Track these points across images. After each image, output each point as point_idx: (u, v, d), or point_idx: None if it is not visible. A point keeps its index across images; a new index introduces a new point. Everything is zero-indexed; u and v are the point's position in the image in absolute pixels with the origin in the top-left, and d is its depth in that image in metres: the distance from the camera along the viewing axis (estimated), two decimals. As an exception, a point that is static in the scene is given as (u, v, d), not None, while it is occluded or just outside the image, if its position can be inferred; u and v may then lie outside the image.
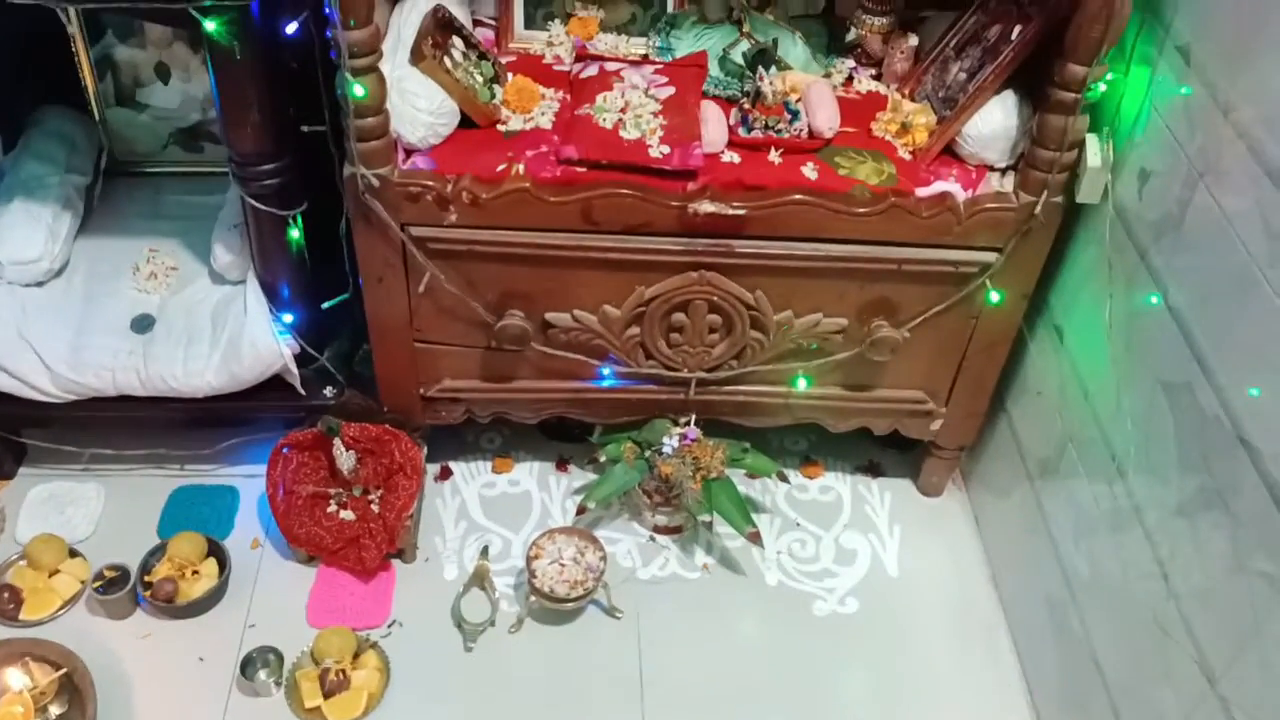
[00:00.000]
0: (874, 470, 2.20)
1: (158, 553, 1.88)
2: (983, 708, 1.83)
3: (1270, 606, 1.23)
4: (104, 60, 2.01)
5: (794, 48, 1.81)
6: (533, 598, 1.87)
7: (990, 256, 1.70)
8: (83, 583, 1.87)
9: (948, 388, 1.94)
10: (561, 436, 2.21)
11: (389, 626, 1.87)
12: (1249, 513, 1.27)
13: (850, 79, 1.84)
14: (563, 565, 1.88)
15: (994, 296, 1.74)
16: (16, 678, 1.67)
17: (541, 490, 2.13)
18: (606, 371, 1.90)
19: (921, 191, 1.67)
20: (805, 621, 1.93)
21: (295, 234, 1.77)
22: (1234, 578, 1.29)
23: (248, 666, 1.76)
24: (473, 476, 2.15)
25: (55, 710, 1.69)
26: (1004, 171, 1.70)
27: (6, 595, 1.83)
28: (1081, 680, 1.66)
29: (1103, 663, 1.60)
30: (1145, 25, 1.51)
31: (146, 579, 1.85)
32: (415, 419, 1.97)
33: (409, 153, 1.65)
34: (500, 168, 1.64)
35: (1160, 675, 1.44)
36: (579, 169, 1.64)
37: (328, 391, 1.94)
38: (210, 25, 1.49)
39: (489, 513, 2.08)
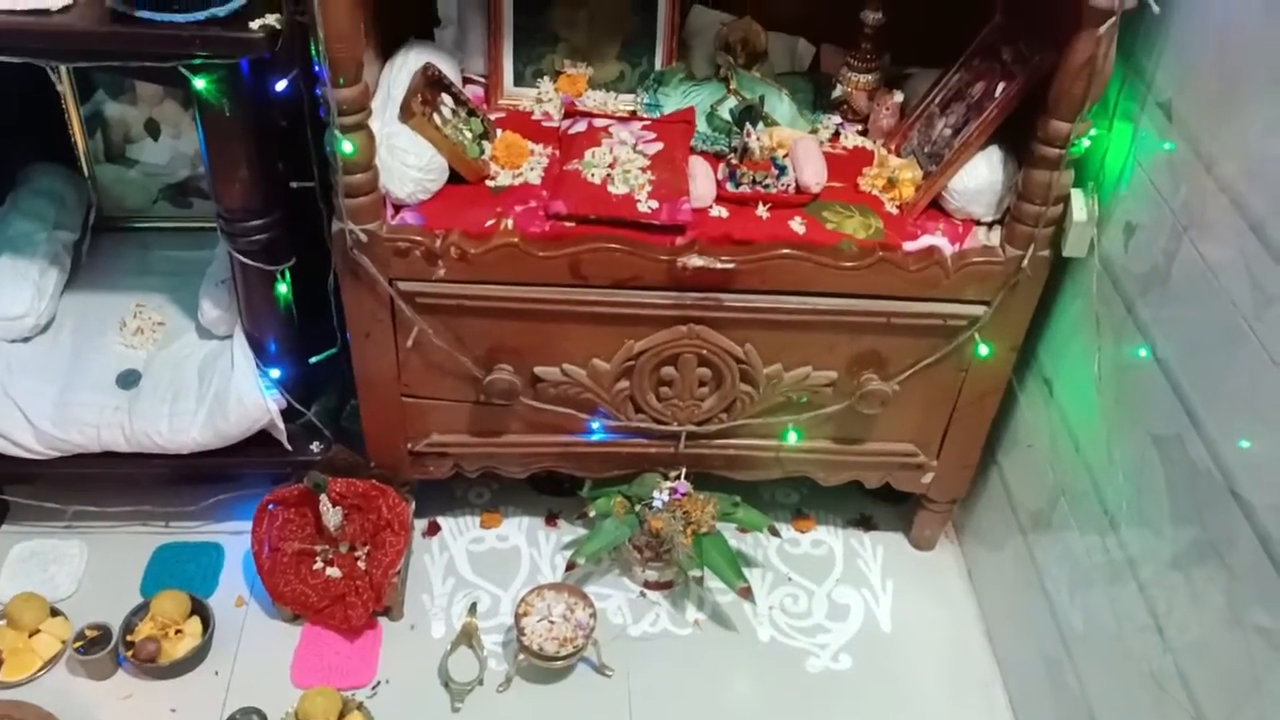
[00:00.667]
0: (866, 524, 2.18)
1: (140, 611, 1.85)
2: (979, 766, 1.80)
3: (1268, 662, 1.21)
4: (94, 117, 2.03)
5: (780, 104, 1.83)
6: (521, 656, 1.84)
7: (978, 310, 1.71)
8: (64, 643, 1.84)
9: (938, 440, 1.93)
10: (551, 491, 2.19)
11: (375, 686, 1.84)
12: (1243, 566, 1.26)
13: (837, 134, 1.86)
14: (552, 623, 1.85)
15: (983, 349, 1.74)
16: (-8, 742, 1.63)
17: (531, 546, 2.11)
18: (596, 425, 1.89)
19: (909, 245, 1.68)
20: (798, 678, 1.91)
21: (283, 289, 1.77)
22: (1230, 632, 1.28)
23: (230, 729, 1.73)
24: (461, 532, 2.12)
25: (32, 776, 1.65)
26: (990, 225, 1.71)
27: (-15, 656, 1.80)
28: (1079, 737, 1.63)
29: (1100, 719, 1.58)
30: (1128, 81, 1.53)
31: (129, 638, 1.82)
32: (403, 474, 1.96)
33: (397, 208, 1.66)
34: (489, 223, 1.65)
35: (1158, 733, 1.42)
36: (568, 224, 1.65)
37: (314, 447, 1.93)
38: (200, 83, 1.49)
39: (477, 569, 2.06)
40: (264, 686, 1.81)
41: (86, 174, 2.08)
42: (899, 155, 1.77)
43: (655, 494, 1.94)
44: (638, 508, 1.96)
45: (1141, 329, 1.50)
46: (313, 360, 1.91)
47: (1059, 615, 1.72)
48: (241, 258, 1.70)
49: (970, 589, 2.07)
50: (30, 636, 1.84)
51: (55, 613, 1.87)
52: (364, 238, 1.60)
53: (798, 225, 1.67)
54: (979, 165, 1.65)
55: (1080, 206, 1.58)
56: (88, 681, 1.81)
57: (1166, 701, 1.39)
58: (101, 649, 1.79)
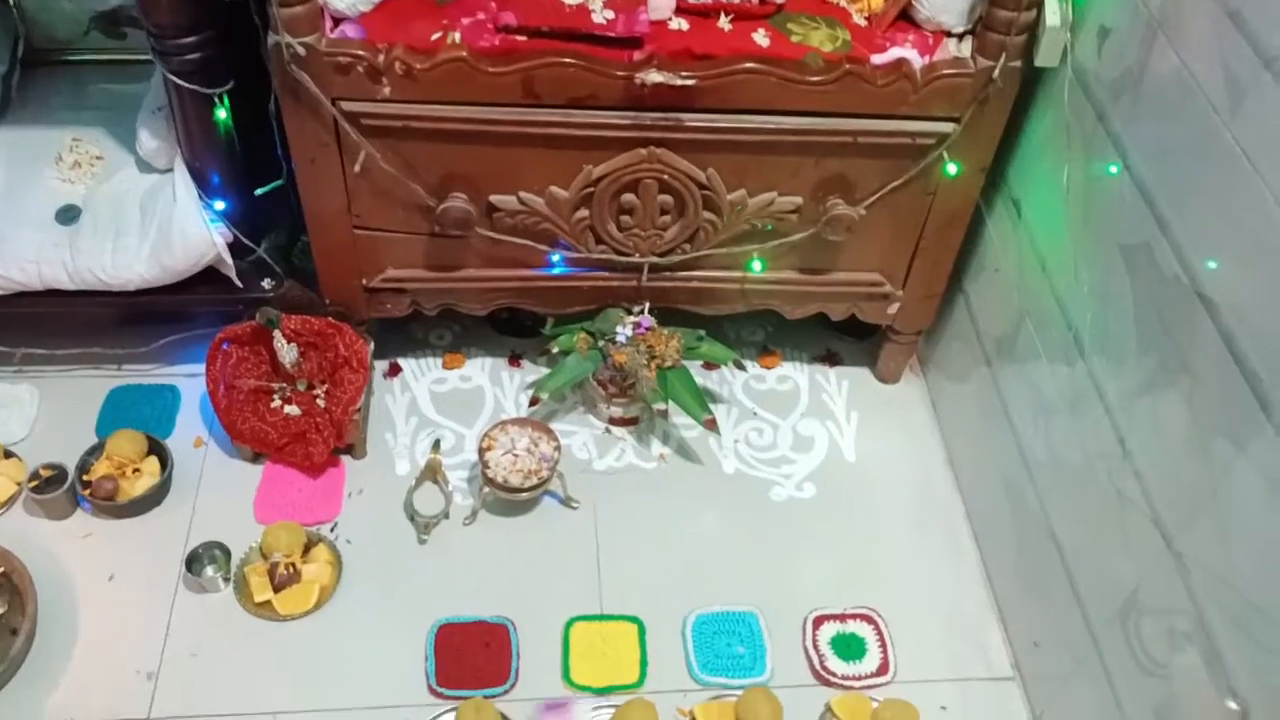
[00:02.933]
0: (831, 359, 2.17)
1: (96, 451, 1.83)
2: (940, 586, 1.83)
3: (1227, 461, 1.21)
4: (13, -63, 1.90)
5: (744, -89, 1.73)
6: (486, 489, 1.83)
7: (947, 127, 1.65)
8: (18, 484, 1.81)
9: (905, 269, 1.90)
10: (513, 331, 2.16)
11: (337, 523, 1.83)
12: (1207, 370, 1.25)
13: (803, -56, 1.76)
14: (516, 455, 1.84)
15: (951, 168, 1.69)
16: (-50, 577, 1.62)
17: (494, 385, 2.09)
18: (556, 258, 1.84)
19: (877, 58, 1.61)
20: (763, 507, 1.92)
21: (222, 114, 1.68)
22: (1192, 438, 1.28)
23: (194, 563, 1.72)
24: (423, 373, 2.10)
25: (-6, 611, 1.65)
26: (961, 37, 1.64)
27: (-61, 499, 1.77)
28: (1038, 554, 1.66)
29: (1059, 535, 1.60)
30: (1106, -128, 1.45)
31: (85, 478, 1.79)
32: (359, 312, 1.91)
33: (337, 21, 1.57)
34: (435, 36, 1.56)
35: (1117, 541, 1.43)
36: (518, 37, 1.56)
37: (266, 284, 1.87)
38: (116, -121, 1.38)
39: (440, 408, 2.04)
40: (227, 524, 1.80)
41: (12, 2, 1.96)
42: (868, -36, 1.69)
43: (619, 329, 1.92)
44: (601, 343, 1.94)
45: (1113, 139, 1.45)
46: (258, 192, 1.83)
47: (1022, 441, 1.73)
48: (176, 79, 1.61)
49: (934, 420, 2.08)
50: (-15, 479, 1.81)
51: (9, 454, 1.84)
52: (302, 51, 1.51)
53: (761, 38, 1.59)
54: (950, -30, 1.57)
55: (1054, 11, 1.52)
56: (46, 522, 1.79)
57: (1128, 510, 1.40)
58: (57, 488, 1.77)
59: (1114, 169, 1.45)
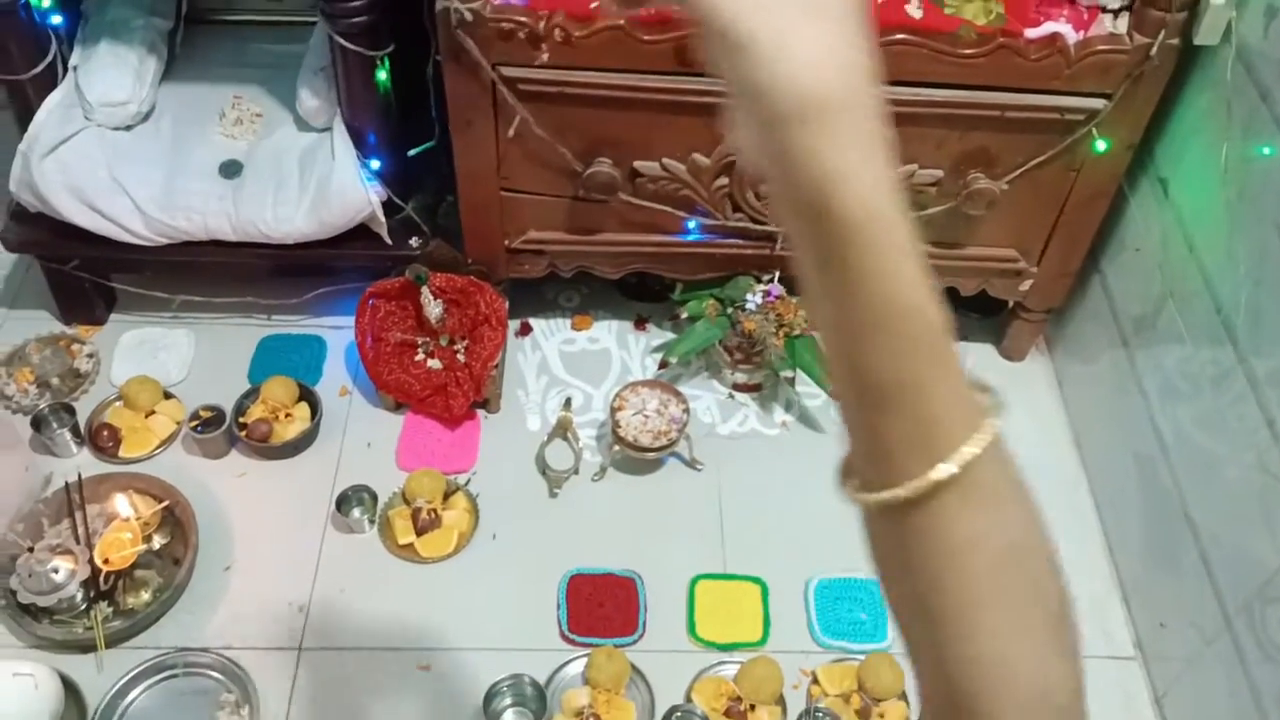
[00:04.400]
0: (958, 335, 2.17)
1: (251, 395, 1.92)
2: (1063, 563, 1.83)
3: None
4: (183, -100, 1.98)
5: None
6: (616, 447, 1.89)
7: (1098, 103, 1.64)
8: (178, 423, 1.92)
9: (1041, 246, 1.89)
10: (640, 296, 2.20)
11: (474, 472, 1.90)
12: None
13: (956, -84, 1.76)
14: (646, 416, 1.89)
15: (1100, 145, 1.68)
16: (125, 506, 1.72)
17: (621, 348, 2.14)
18: (693, 225, 1.88)
19: (1030, 32, 1.61)
20: (886, 477, 1.94)
21: (383, 76, 1.75)
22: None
23: (343, 504, 1.81)
24: (552, 333, 2.16)
25: (159, 540, 1.75)
26: (1117, 13, 1.63)
27: (106, 434, 1.88)
28: (1169, 534, 1.65)
29: (1194, 515, 1.60)
30: None
31: (241, 420, 1.89)
32: (499, 271, 1.97)
33: (502, -12, 1.62)
34: (594, 4, 1.60)
35: (1259, 522, 1.43)
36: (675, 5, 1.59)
37: (413, 242, 1.94)
38: None
39: (569, 368, 2.09)
40: (371, 469, 1.89)
41: (176, -37, 2.05)
42: (1022, -62, 1.68)
43: (748, 296, 1.95)
44: (729, 310, 1.97)
45: (1277, 120, 1.44)
46: (411, 154, 1.90)
47: (1156, 420, 1.72)
48: (342, 40, 1.68)
49: (1059, 399, 2.07)
50: (146, 417, 1.92)
51: (168, 395, 1.95)
52: (469, 16, 1.57)
53: (914, 9, 1.60)
54: (1111, -55, 1.56)
55: (1220, -13, 1.50)
56: (203, 460, 1.89)
57: (1273, 493, 1.40)
58: (216, 428, 1.86)
59: (1269, 151, 1.43)
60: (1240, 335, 1.50)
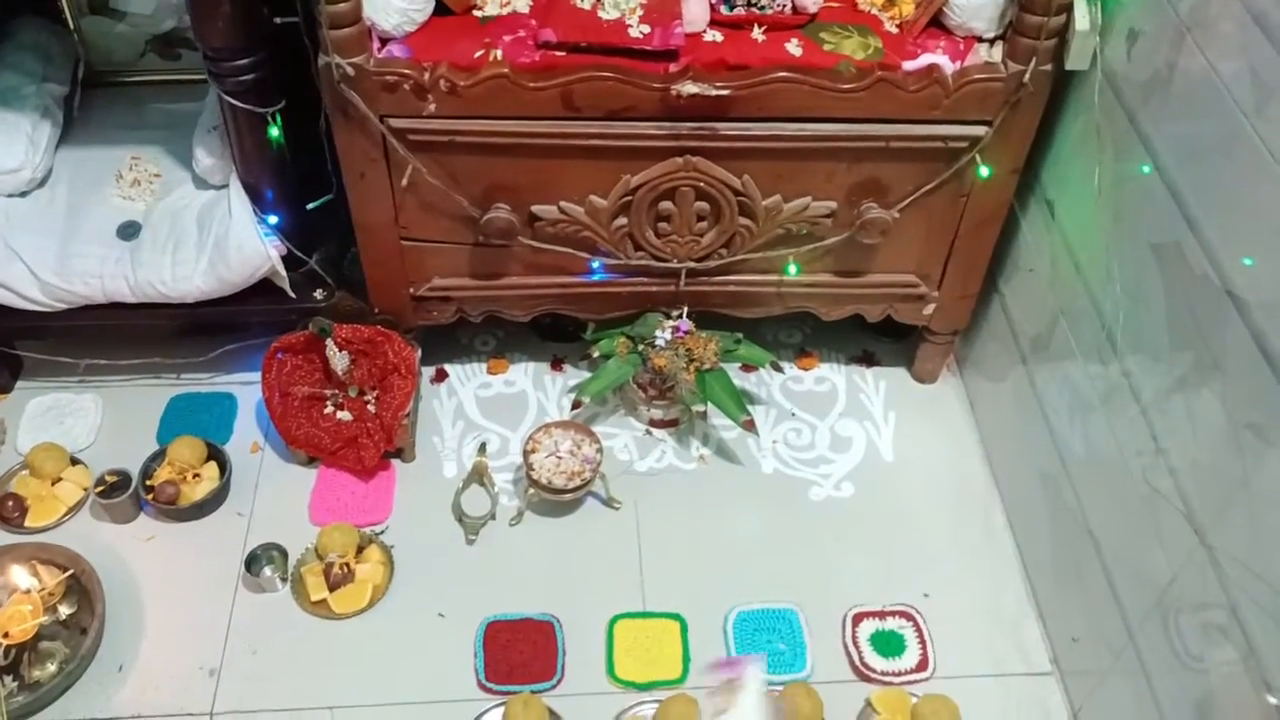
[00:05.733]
0: (868, 360, 2.20)
1: (158, 458, 1.90)
2: (978, 583, 1.85)
3: (1258, 455, 1.23)
4: (74, -34, 1.98)
5: (775, -77, 1.77)
6: (531, 490, 1.89)
7: (980, 130, 1.68)
8: (85, 489, 1.89)
9: (940, 270, 1.93)
10: (555, 337, 2.21)
11: (389, 524, 1.89)
12: (1236, 365, 1.27)
13: (834, -46, 1.80)
14: (559, 458, 1.89)
15: (984, 171, 1.72)
16: (24, 578, 1.70)
17: (537, 390, 2.14)
18: (596, 265, 1.89)
19: (908, 65, 1.64)
20: (802, 506, 1.95)
21: (275, 132, 1.75)
22: (1224, 435, 1.30)
23: (253, 563, 1.79)
24: (468, 378, 2.15)
25: (65, 610, 1.72)
26: (992, 42, 1.67)
27: (11, 504, 1.85)
28: (1075, 550, 1.68)
29: (1096, 531, 1.62)
30: (1133, -122, 1.47)
31: (148, 483, 1.87)
32: (407, 320, 1.97)
33: (384, 41, 1.63)
34: (478, 54, 1.62)
35: (1151, 536, 1.45)
36: (558, 53, 1.61)
37: (318, 294, 1.94)
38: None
39: (486, 412, 2.09)
40: (283, 526, 1.87)
41: (72, 26, 2.04)
42: (898, -27, 1.72)
43: (658, 333, 1.96)
44: (640, 347, 1.98)
45: (1143, 140, 1.48)
46: (310, 207, 1.90)
47: (1058, 437, 1.75)
48: (231, 99, 1.68)
49: (971, 419, 2.10)
50: (53, 484, 1.89)
51: (75, 461, 1.92)
52: (351, 72, 1.57)
53: (794, 48, 1.63)
54: (980, -23, 1.60)
55: (1083, 15, 1.54)
56: (111, 525, 1.87)
57: (1160, 505, 1.42)
58: (122, 493, 1.84)
59: (1145, 169, 1.47)
60: (1124, 353, 1.53)
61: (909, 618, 1.80)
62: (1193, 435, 1.36)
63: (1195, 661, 1.37)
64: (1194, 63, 1.35)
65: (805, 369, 2.18)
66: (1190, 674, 1.38)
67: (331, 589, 1.76)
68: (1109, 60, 1.55)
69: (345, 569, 1.77)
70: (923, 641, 1.77)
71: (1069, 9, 1.55)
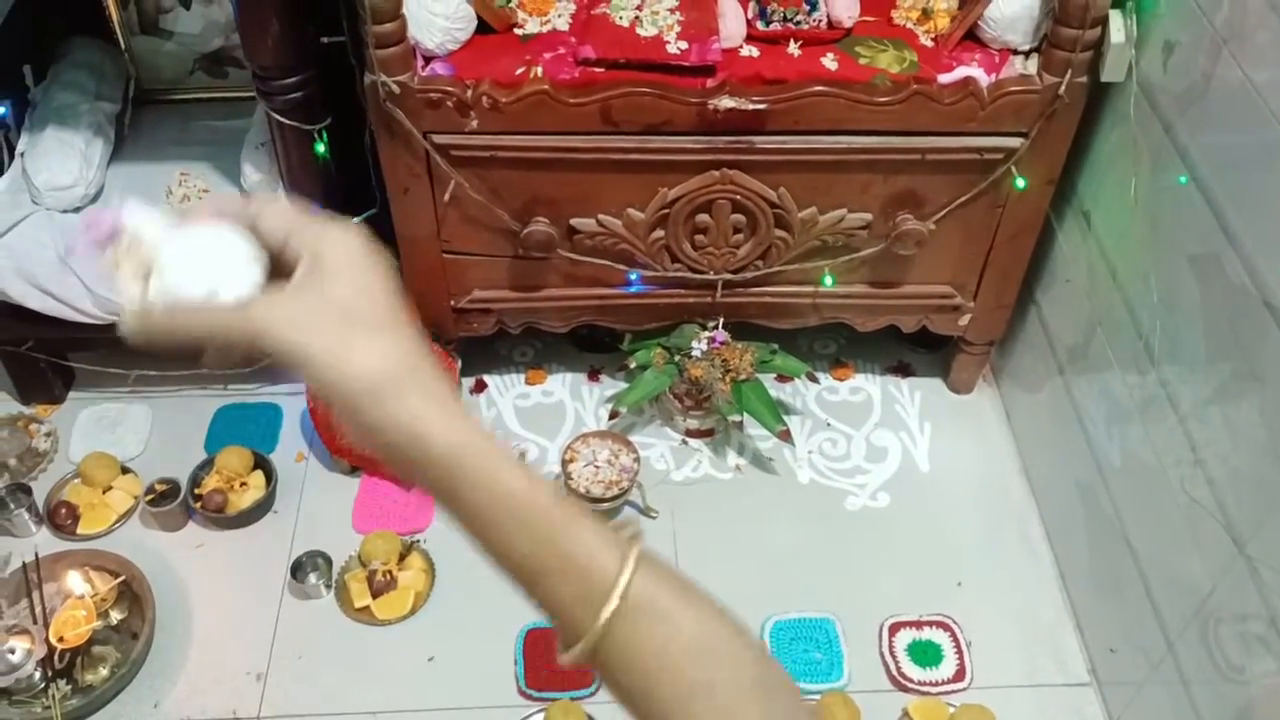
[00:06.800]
0: (904, 370, 2.21)
1: (206, 467, 1.95)
2: (1015, 593, 1.85)
3: (1296, 466, 1.23)
4: (126, -13, 2.04)
5: (811, -61, 1.79)
6: (569, 500, 1.91)
7: (1015, 142, 1.69)
8: (135, 498, 1.94)
9: (975, 281, 1.93)
10: (592, 348, 2.23)
11: (430, 531, 1.92)
12: (1276, 376, 1.27)
13: (869, -31, 1.81)
14: (597, 467, 1.91)
15: (1020, 182, 1.73)
16: (78, 584, 1.74)
17: (575, 400, 2.17)
18: (634, 276, 1.91)
19: (944, 78, 1.66)
20: (837, 516, 1.97)
21: (321, 149, 1.79)
22: (1263, 445, 1.30)
23: (298, 570, 1.83)
24: (507, 389, 2.18)
25: (116, 615, 1.77)
26: (1027, 54, 1.68)
27: (64, 511, 1.90)
28: (1113, 560, 1.68)
29: (1133, 541, 1.62)
30: (1168, -108, 1.48)
31: (196, 492, 1.91)
32: (448, 331, 2.01)
33: (428, 60, 1.66)
34: (519, 71, 1.65)
35: (1190, 546, 1.45)
36: (597, 69, 1.64)
37: (361, 306, 1.97)
38: (226, -64, 1.50)
39: (524, 423, 2.12)
40: (327, 533, 1.91)
41: (123, 46, 2.10)
42: (933, -13, 1.74)
43: (694, 344, 1.98)
44: (677, 358, 2.00)
45: (1180, 151, 1.48)
46: (354, 221, 1.93)
47: (1095, 446, 1.75)
48: (278, 117, 1.72)
49: (1007, 429, 2.10)
50: (104, 493, 1.94)
51: (125, 470, 1.97)
52: (396, 89, 1.61)
53: (830, 62, 1.65)
54: (1015, -9, 1.61)
55: (1118, 27, 1.55)
56: (160, 533, 1.91)
57: (1200, 517, 1.42)
58: (171, 501, 1.88)
59: (1182, 180, 1.47)
60: (1161, 364, 1.53)
61: (946, 628, 1.80)
62: (1231, 445, 1.36)
63: (1235, 673, 1.37)
64: (1230, 74, 1.35)
65: (840, 379, 2.20)
66: (1230, 685, 1.38)
67: (374, 596, 1.79)
68: (1144, 72, 1.56)
69: (388, 576, 1.80)
70: (960, 651, 1.78)
71: (1104, 22, 1.56)
